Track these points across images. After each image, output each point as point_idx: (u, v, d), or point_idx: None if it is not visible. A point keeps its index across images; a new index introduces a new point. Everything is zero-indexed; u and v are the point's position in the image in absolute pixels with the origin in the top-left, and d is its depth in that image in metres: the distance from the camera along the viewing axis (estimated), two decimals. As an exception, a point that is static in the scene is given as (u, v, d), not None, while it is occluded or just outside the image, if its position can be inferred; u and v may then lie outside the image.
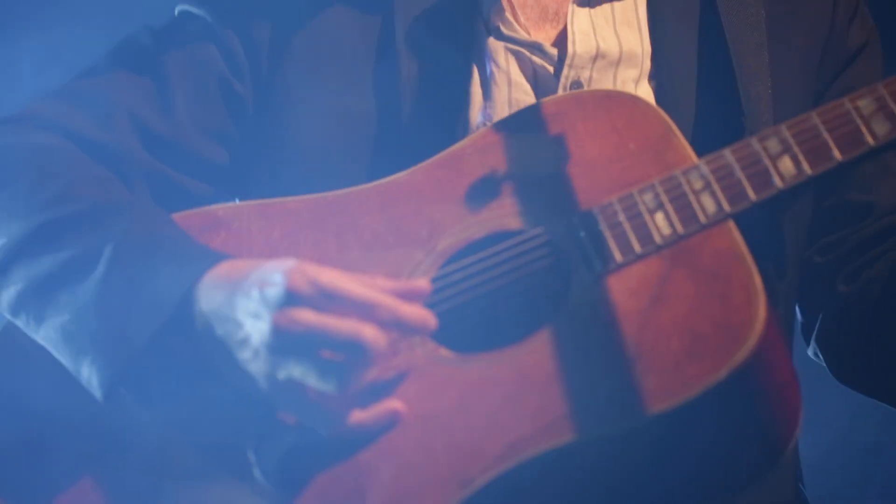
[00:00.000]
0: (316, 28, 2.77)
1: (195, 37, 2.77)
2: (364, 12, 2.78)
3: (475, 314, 2.45)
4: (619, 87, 2.72)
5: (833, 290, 2.81)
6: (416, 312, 2.36)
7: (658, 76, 2.74)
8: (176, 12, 2.83)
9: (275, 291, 2.33)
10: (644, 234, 2.40)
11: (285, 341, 2.31)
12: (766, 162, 2.43)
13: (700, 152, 2.61)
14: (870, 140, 2.42)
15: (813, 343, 2.87)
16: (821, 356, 2.87)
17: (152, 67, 2.74)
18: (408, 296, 2.38)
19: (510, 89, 2.71)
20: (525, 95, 2.71)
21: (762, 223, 2.56)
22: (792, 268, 2.75)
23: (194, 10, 2.79)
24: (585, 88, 2.72)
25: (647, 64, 2.75)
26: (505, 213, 2.49)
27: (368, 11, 2.78)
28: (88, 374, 2.40)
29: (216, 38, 2.76)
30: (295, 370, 2.31)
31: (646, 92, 2.73)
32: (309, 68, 2.75)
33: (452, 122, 2.69)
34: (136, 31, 2.80)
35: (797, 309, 2.88)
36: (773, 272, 2.67)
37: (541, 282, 2.45)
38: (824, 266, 2.82)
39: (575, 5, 2.76)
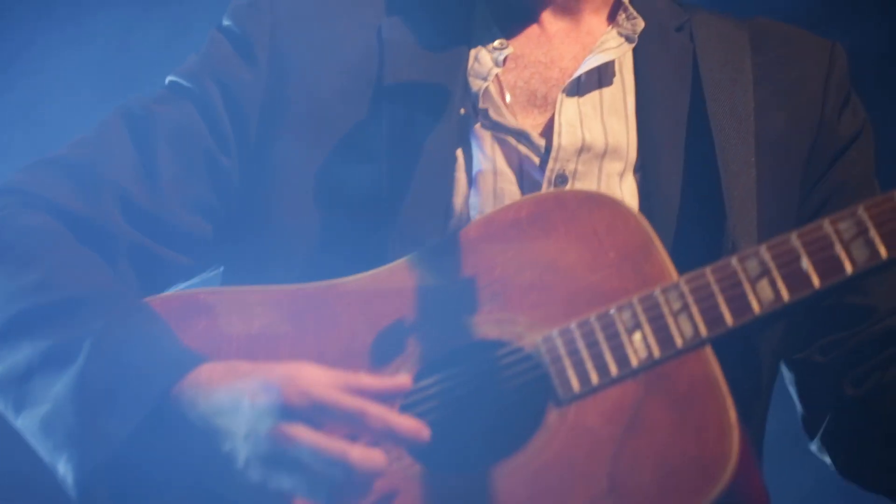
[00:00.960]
0: (305, 103, 2.76)
1: (182, 110, 2.77)
2: (355, 87, 2.77)
3: (451, 431, 2.48)
4: (604, 179, 2.72)
5: (840, 392, 2.82)
6: (409, 423, 2.39)
7: (643, 168, 2.74)
8: (166, 81, 2.81)
9: (267, 404, 2.36)
10: (621, 356, 2.43)
11: (278, 454, 2.35)
12: (745, 285, 2.44)
13: (683, 250, 2.65)
14: (849, 267, 2.44)
15: (818, 441, 2.88)
16: (827, 455, 2.88)
17: (139, 140, 2.74)
18: (392, 395, 2.41)
19: (495, 179, 2.71)
20: (510, 185, 2.71)
21: (738, 340, 2.58)
22: (768, 373, 2.78)
23: (182, 81, 2.77)
24: (569, 183, 2.71)
25: (633, 155, 2.74)
26: (484, 321, 2.51)
27: (359, 87, 2.77)
28: (64, 472, 2.44)
29: (203, 111, 2.76)
30: (285, 483, 2.35)
31: (630, 186, 2.73)
32: (297, 144, 2.75)
33: (437, 209, 2.69)
34: (125, 101, 2.79)
35: (798, 402, 2.90)
36: (750, 392, 2.71)
37: (518, 400, 2.48)
38: (827, 366, 2.83)
39: (564, 95, 2.74)
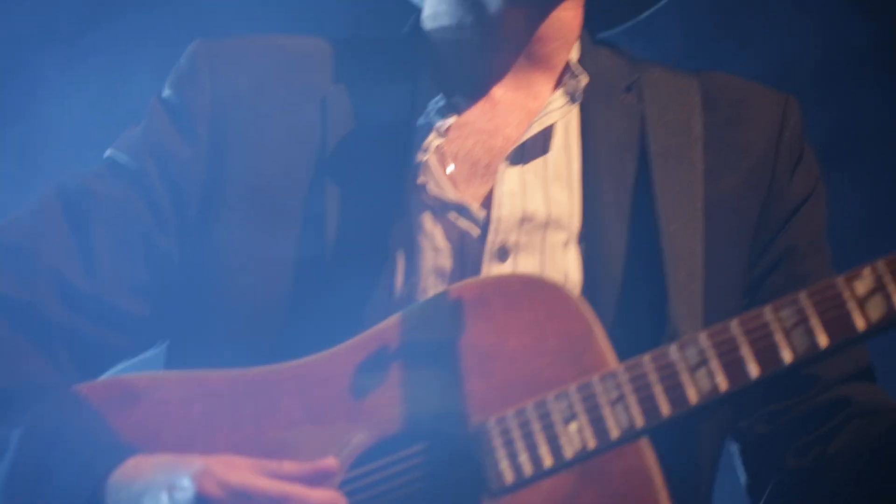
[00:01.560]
0: (247, 180, 2.72)
1: (120, 188, 2.73)
2: (297, 163, 2.72)
3: None
4: (548, 251, 2.67)
5: (782, 463, 2.76)
6: (326, 495, 2.38)
7: (587, 238, 2.68)
8: (104, 156, 2.79)
9: (184, 496, 2.35)
10: (555, 447, 2.39)
11: None
12: (683, 375, 2.40)
13: (625, 324, 2.60)
14: (788, 357, 2.40)
15: None
16: None
17: (75, 221, 2.71)
18: (317, 478, 2.39)
19: (435, 256, 2.67)
20: (450, 261, 2.67)
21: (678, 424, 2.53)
22: (711, 449, 2.73)
23: (121, 158, 2.76)
24: (511, 255, 2.66)
25: (577, 224, 2.69)
26: (420, 410, 2.48)
27: (301, 163, 2.72)
28: None
29: (142, 190, 2.73)
30: None
31: (574, 257, 2.67)
32: (239, 222, 2.71)
33: (379, 289, 2.66)
34: (61, 178, 2.76)
35: (742, 469, 2.84)
36: (691, 472, 2.66)
37: (451, 490, 2.45)
38: (770, 436, 2.76)
39: (507, 163, 2.69)
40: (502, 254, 2.66)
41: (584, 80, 2.75)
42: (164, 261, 2.72)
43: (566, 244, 2.68)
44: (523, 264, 2.66)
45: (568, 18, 2.77)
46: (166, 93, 2.80)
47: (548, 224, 2.67)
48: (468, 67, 2.79)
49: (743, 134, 2.79)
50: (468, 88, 2.78)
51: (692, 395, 2.39)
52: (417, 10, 2.88)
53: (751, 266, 2.76)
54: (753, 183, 2.76)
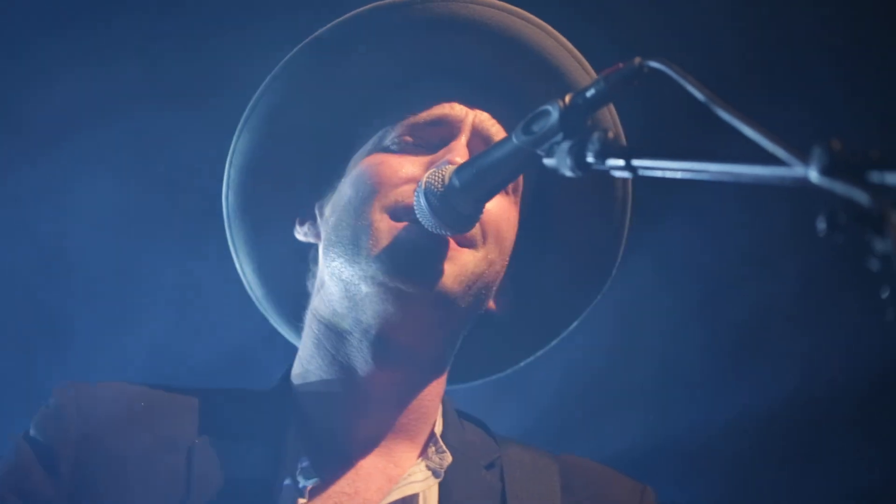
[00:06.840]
0: None
1: None
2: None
3: None
4: None
5: None
6: None
7: None
8: None
9: None
10: None
11: None
12: None
13: None
14: None
15: None
16: None
17: None
18: None
19: None
20: None
21: None
22: None
23: None
24: None
25: None
26: None
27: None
28: None
29: None
30: None
31: None
32: None
33: None
34: None
35: None
36: None
37: None
38: None
39: None
40: None
41: (448, 458, 2.81)
42: None
43: None
44: None
45: (433, 388, 2.84)
46: (32, 432, 2.81)
47: None
48: (334, 430, 2.85)
49: None
50: (332, 451, 2.83)
51: None
52: (287, 367, 2.92)
53: None
54: None
